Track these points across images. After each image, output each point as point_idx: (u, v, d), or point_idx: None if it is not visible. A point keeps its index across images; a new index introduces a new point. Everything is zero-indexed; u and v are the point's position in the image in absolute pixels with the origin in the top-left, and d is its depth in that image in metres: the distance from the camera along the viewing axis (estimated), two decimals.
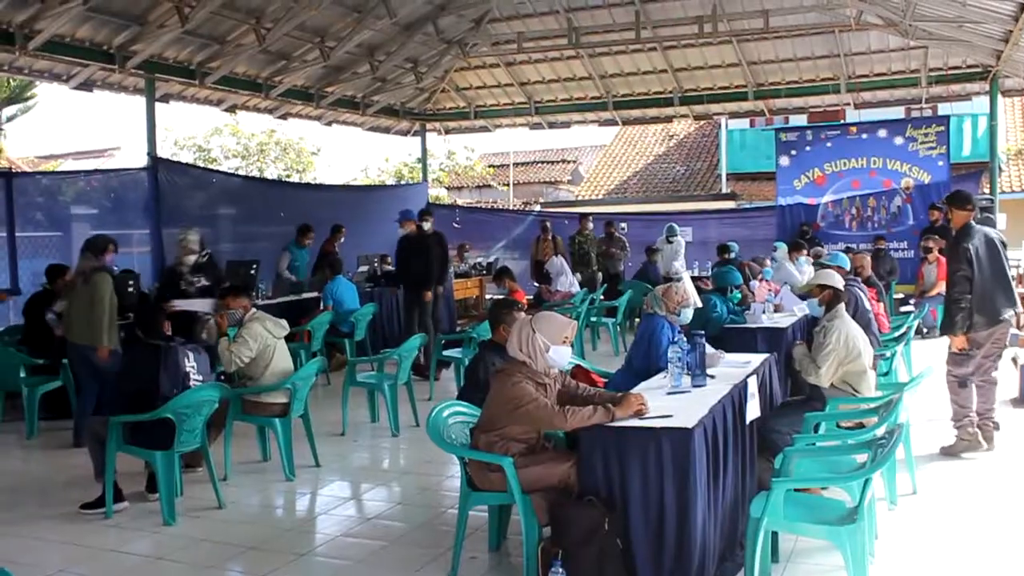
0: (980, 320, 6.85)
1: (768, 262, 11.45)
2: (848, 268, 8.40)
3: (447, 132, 20.73)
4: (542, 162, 35.10)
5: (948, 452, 7.01)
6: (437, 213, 20.23)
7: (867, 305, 7.69)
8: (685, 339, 5.41)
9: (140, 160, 13.33)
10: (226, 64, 13.44)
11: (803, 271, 11.50)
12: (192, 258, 9.63)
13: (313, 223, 15.08)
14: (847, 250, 11.78)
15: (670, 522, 4.14)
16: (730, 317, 8.13)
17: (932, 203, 15.27)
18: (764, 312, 8.51)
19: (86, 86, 12.86)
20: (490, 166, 32.79)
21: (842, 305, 6.27)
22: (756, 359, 6.05)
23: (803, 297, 8.25)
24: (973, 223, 7.01)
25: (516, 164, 33.26)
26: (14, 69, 12.29)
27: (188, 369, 6.15)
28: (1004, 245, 7.09)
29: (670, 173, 28.84)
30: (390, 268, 13.88)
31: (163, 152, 17.71)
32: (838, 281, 6.41)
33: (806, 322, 8.40)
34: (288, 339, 7.45)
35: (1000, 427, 7.23)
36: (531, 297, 13.61)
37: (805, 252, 12.61)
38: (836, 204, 16.69)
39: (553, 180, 33.36)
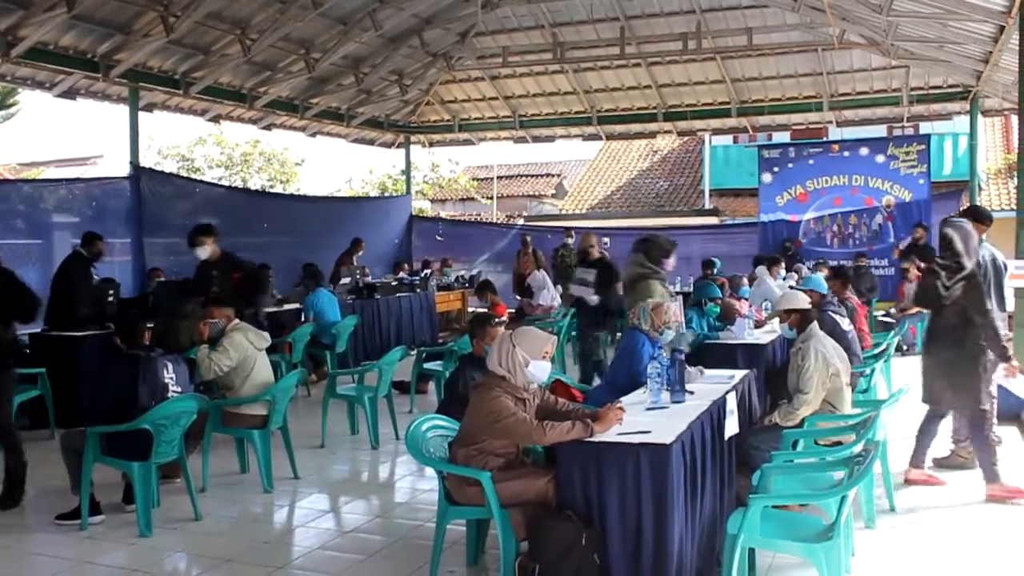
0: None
1: (746, 281, 11.50)
2: (825, 291, 8.37)
3: (431, 145, 20.79)
4: (526, 176, 35.17)
5: (940, 464, 7.03)
6: (421, 226, 20.40)
7: (844, 327, 7.71)
8: (665, 354, 5.42)
9: (123, 169, 13.32)
10: (210, 74, 13.43)
11: (784, 289, 11.53)
12: None
13: (297, 234, 15.13)
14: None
15: (647, 538, 4.14)
16: (705, 333, 8.14)
17: (917, 221, 15.40)
18: (747, 329, 8.51)
19: (69, 94, 12.84)
20: (474, 179, 32.83)
21: (814, 324, 6.30)
22: (736, 375, 6.07)
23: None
24: (984, 239, 7.02)
25: (500, 177, 33.33)
26: None
27: (167, 380, 6.12)
28: (1004, 268, 7.04)
29: (653, 188, 28.94)
30: (369, 279, 13.89)
31: (146, 161, 17.66)
32: (802, 302, 6.44)
33: (786, 340, 8.42)
34: (269, 350, 7.43)
35: (1002, 441, 7.24)
36: (513, 311, 13.61)
37: (783, 267, 12.67)
38: (818, 221, 16.79)
39: (537, 194, 33.43)
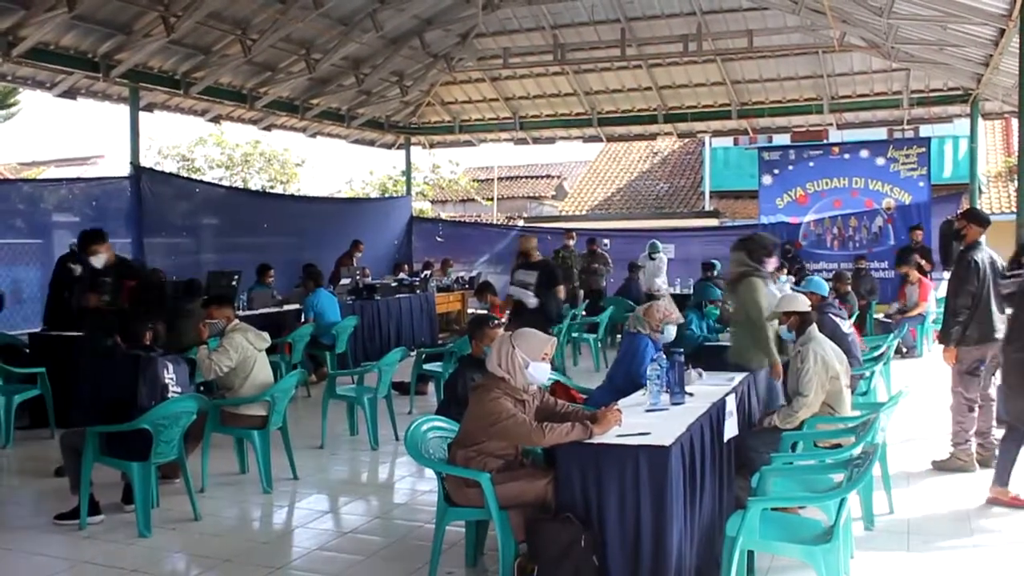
0: (974, 335, 6.86)
1: None
2: (825, 293, 8.36)
3: (432, 146, 20.78)
4: (526, 177, 35.16)
5: (940, 467, 7.03)
6: (421, 227, 20.39)
7: (845, 329, 7.70)
8: (665, 357, 5.42)
9: (123, 169, 13.32)
10: (211, 74, 13.43)
11: (784, 291, 11.52)
12: None
13: (297, 234, 15.14)
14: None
15: (646, 539, 4.14)
16: (705, 335, 8.13)
17: (916, 223, 15.42)
18: None
19: (70, 94, 12.84)
20: (474, 180, 32.82)
21: (813, 326, 6.29)
22: (735, 377, 6.07)
23: None
24: (982, 241, 7.04)
25: (500, 179, 33.32)
26: None
27: (167, 380, 6.11)
28: (1004, 270, 7.04)
29: (654, 190, 28.94)
30: (369, 280, 13.91)
31: (147, 161, 17.67)
32: (801, 304, 6.43)
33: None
34: (269, 351, 7.43)
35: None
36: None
37: (786, 271, 12.66)
38: (818, 223, 16.80)
39: (537, 195, 33.43)
